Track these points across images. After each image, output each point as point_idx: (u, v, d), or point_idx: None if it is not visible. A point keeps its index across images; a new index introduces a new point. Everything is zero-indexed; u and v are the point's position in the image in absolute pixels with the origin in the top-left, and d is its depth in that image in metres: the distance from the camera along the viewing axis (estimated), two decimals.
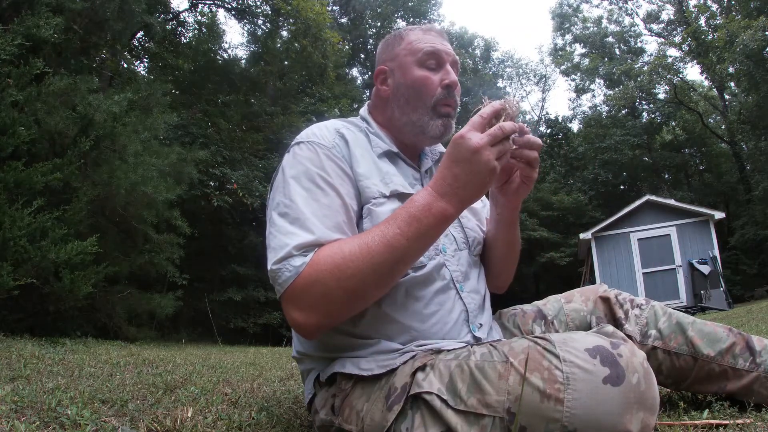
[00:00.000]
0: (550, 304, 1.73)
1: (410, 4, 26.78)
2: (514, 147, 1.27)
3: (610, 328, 1.10)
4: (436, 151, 1.64)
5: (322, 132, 1.44)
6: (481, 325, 1.42)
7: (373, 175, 1.40)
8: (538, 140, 1.30)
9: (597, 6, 35.01)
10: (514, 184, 1.39)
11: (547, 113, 36.70)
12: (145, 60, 17.49)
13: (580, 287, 1.79)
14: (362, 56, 28.17)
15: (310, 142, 1.39)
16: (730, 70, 21.96)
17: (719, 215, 15.70)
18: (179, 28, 18.60)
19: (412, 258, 1.23)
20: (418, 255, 1.25)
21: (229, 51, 20.80)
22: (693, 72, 53.18)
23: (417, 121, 1.47)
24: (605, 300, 1.67)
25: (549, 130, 34.39)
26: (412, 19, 27.13)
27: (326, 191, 1.31)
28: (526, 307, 1.75)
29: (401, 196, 1.37)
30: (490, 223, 1.59)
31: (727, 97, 26.65)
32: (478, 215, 1.66)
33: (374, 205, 1.35)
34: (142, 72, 16.65)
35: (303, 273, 1.18)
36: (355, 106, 22.47)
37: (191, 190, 11.57)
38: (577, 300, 1.71)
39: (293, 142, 1.44)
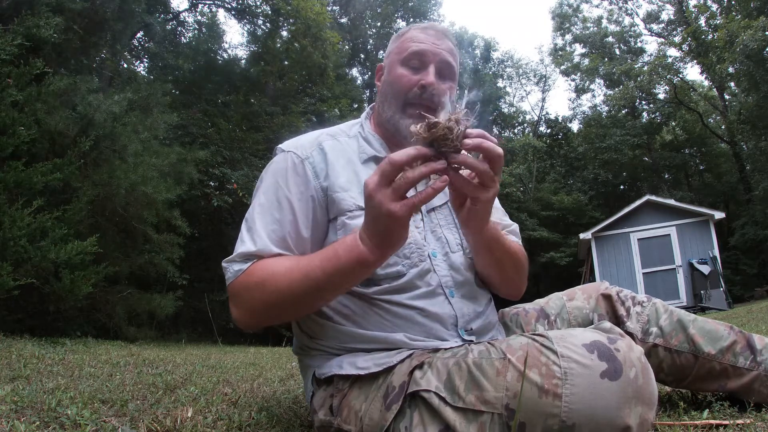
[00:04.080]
0: (552, 302, 1.73)
1: (410, 4, 26.77)
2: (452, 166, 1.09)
3: (607, 324, 1.10)
4: None
5: (302, 143, 1.47)
6: (472, 329, 1.39)
7: (353, 186, 1.40)
8: (489, 147, 1.09)
9: (597, 6, 35.01)
10: (464, 209, 1.25)
11: (547, 113, 36.69)
12: (145, 60, 17.51)
13: (582, 285, 1.79)
14: (362, 56, 28.15)
15: (287, 152, 1.44)
16: (730, 70, 22.01)
17: (719, 215, 15.74)
18: (179, 28, 18.64)
19: (330, 291, 1.25)
20: (338, 290, 1.26)
21: (229, 51, 20.81)
22: (693, 72, 53.14)
23: (391, 119, 1.47)
24: (607, 297, 1.67)
25: (549, 130, 34.42)
26: (412, 19, 27.09)
27: (282, 206, 1.36)
28: (528, 306, 1.74)
29: None
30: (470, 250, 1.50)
31: (727, 97, 26.74)
32: None
33: (349, 218, 1.37)
34: (142, 72, 16.68)
35: (238, 279, 1.30)
36: (355, 106, 22.47)
37: (191, 190, 11.55)
38: (579, 297, 1.70)
39: (276, 148, 1.49)
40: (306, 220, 1.37)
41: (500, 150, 1.10)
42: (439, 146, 1.06)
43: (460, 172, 1.12)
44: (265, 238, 1.32)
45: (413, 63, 1.45)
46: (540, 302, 1.75)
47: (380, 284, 1.33)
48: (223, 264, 1.34)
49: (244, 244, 1.33)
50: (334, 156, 1.44)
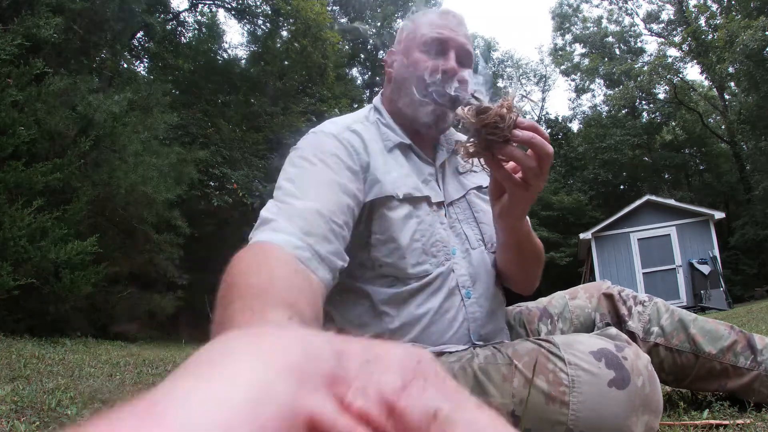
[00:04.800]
0: (555, 300, 1.72)
1: (410, 4, 26.80)
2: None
3: (613, 330, 1.09)
4: (452, 139, 1.49)
5: (330, 125, 1.36)
6: (482, 334, 1.35)
7: (390, 171, 1.31)
8: (540, 143, 1.02)
9: (597, 6, 35.03)
10: (500, 203, 1.19)
11: (547, 113, 36.72)
12: (146, 60, 17.50)
13: (585, 284, 1.78)
14: (362, 56, 28.15)
15: (317, 132, 1.32)
16: (730, 70, 22.09)
17: (719, 215, 15.76)
18: (179, 28, 18.63)
19: None
20: None
21: (229, 51, 20.78)
22: (693, 72, 53.16)
23: (410, 105, 1.37)
24: (609, 297, 1.66)
25: (549, 130, 34.43)
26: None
27: (314, 164, 1.18)
28: (531, 304, 1.73)
29: (413, 201, 1.29)
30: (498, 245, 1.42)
31: (727, 97, 26.78)
32: None
33: (388, 209, 1.27)
34: (142, 72, 16.67)
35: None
36: (355, 106, 22.45)
37: (191, 190, 11.54)
38: (582, 297, 1.70)
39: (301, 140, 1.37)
40: (347, 183, 1.18)
41: (551, 148, 1.03)
42: (487, 134, 0.98)
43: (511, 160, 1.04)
44: (294, 194, 1.07)
45: (432, 49, 1.37)
46: (543, 301, 1.75)
47: (409, 284, 1.27)
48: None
49: (268, 208, 1.05)
50: (370, 141, 1.34)
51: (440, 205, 1.36)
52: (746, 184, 24.64)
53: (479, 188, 1.47)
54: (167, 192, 8.37)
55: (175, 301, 8.92)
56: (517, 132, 0.99)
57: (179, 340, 9.32)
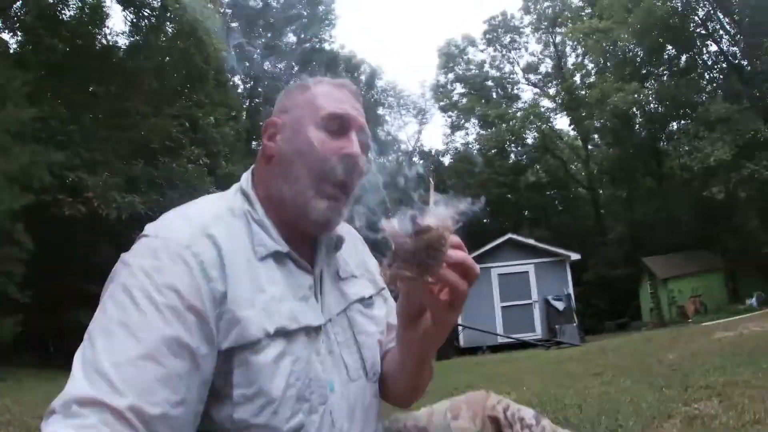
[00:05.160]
0: (436, 418, 1.57)
1: (303, 21, 26.72)
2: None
3: None
4: (333, 236, 1.20)
5: (181, 224, 1.00)
6: None
7: (255, 301, 0.99)
8: (472, 266, 0.93)
9: (482, 51, 37.11)
10: (419, 330, 1.04)
11: (421, 145, 38.51)
12: (19, 34, 15.97)
13: (467, 396, 1.67)
14: (247, 64, 27.63)
15: (158, 239, 0.97)
16: (597, 125, 24.31)
17: (575, 256, 17.29)
18: (61, 4, 17.07)
19: None
20: None
21: (108, 38, 19.29)
22: (562, 122, 57.49)
23: (298, 197, 1.08)
24: (494, 420, 1.55)
25: (422, 161, 36.17)
26: (302, 35, 27.06)
27: (143, 312, 0.87)
28: (410, 422, 1.58)
29: (288, 335, 1.01)
30: (391, 364, 1.25)
31: (590, 147, 29.52)
32: (381, 325, 1.29)
33: (254, 353, 0.96)
34: (14, 45, 15.40)
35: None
36: (233, 114, 21.84)
37: (41, 195, 10.36)
38: (465, 416, 1.56)
39: (141, 233, 1.01)
40: (172, 356, 0.87)
41: (478, 269, 0.94)
42: (424, 257, 0.85)
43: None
44: (109, 379, 0.80)
45: (331, 126, 1.10)
46: (422, 418, 1.59)
47: None
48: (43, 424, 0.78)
49: (76, 383, 0.81)
50: (231, 251, 1.00)
51: (318, 330, 1.09)
52: (601, 227, 27.40)
53: (361, 300, 1.24)
54: (12, 201, 7.38)
55: (14, 327, 7.77)
56: (452, 253, 0.90)
57: (22, 368, 8.22)
